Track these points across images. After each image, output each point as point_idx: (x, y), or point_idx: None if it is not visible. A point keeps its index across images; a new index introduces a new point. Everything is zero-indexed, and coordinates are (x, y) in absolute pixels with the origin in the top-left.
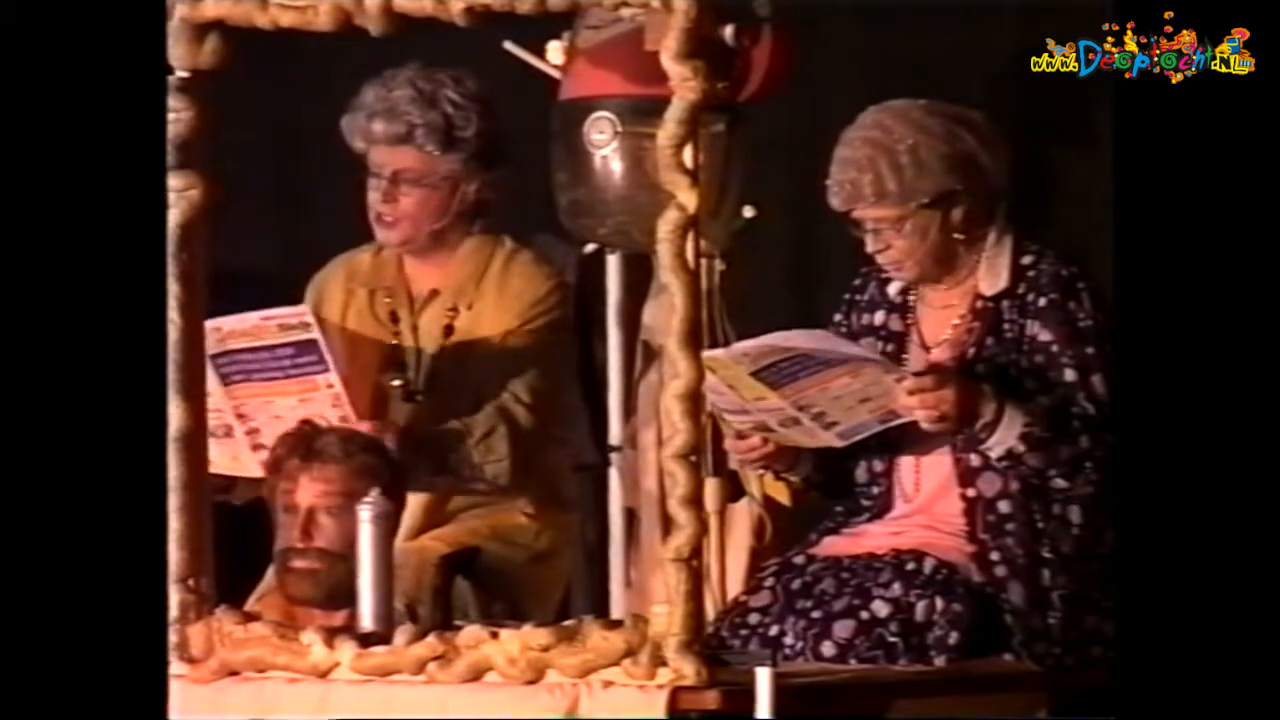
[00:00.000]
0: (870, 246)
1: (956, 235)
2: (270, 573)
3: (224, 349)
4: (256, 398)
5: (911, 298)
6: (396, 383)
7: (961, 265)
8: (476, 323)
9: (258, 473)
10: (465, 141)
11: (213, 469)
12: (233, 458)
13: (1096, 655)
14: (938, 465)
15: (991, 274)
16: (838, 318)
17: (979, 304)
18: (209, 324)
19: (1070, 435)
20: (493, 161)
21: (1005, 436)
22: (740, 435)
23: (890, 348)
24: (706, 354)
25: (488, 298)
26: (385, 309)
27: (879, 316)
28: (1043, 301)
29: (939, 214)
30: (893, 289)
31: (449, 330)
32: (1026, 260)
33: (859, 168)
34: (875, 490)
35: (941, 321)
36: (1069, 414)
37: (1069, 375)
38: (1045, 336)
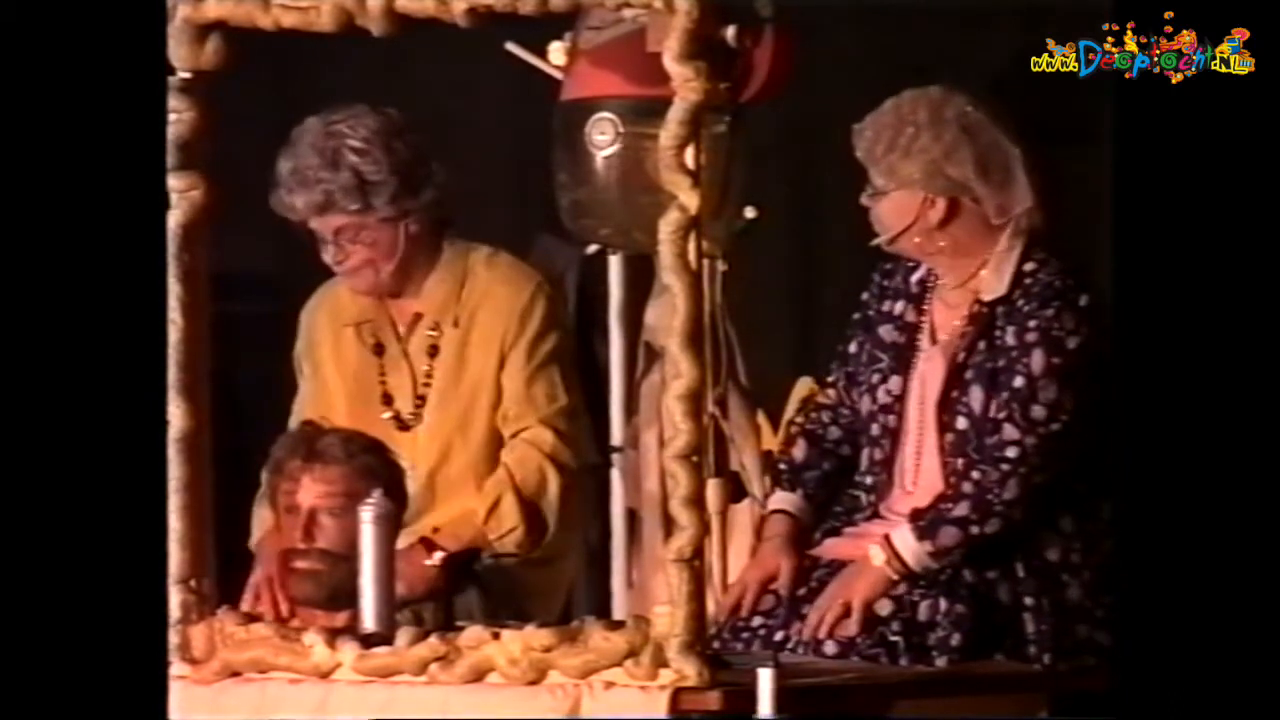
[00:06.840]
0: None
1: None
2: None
3: None
4: None
5: (929, 293)
6: (386, 415)
7: (965, 264)
8: (465, 340)
9: None
10: (382, 185)
11: None
12: None
13: (1092, 662)
14: (934, 467)
15: (994, 279)
16: (865, 297)
17: (975, 308)
18: None
19: (977, 488)
20: (420, 186)
21: (917, 551)
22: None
23: (903, 338)
24: None
25: (473, 312)
26: (370, 342)
27: (899, 306)
28: (1028, 308)
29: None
30: (914, 278)
31: (434, 350)
32: (1028, 267)
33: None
34: (870, 480)
35: (948, 320)
36: (956, 483)
37: (1017, 381)
38: (1011, 340)
